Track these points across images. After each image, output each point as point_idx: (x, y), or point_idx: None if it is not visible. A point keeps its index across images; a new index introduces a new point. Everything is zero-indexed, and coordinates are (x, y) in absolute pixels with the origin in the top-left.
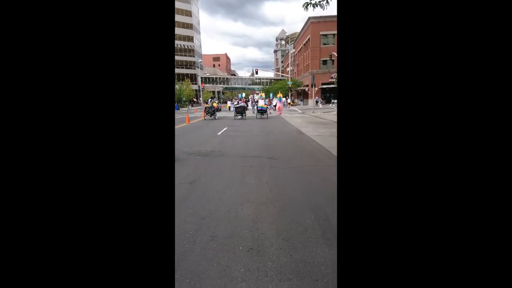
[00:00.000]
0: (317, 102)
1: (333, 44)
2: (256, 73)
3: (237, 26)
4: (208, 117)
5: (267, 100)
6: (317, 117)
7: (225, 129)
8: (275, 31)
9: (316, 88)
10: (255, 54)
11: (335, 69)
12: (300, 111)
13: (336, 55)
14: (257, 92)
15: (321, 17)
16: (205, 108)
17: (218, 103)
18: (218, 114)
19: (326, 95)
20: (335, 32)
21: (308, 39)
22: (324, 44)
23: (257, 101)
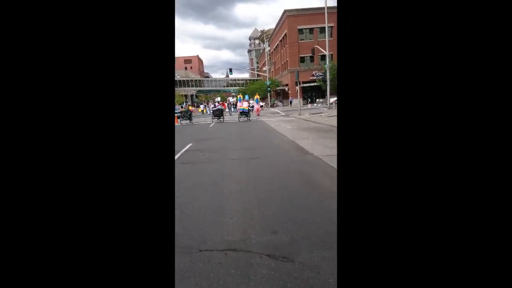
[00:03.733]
0: (290, 102)
1: (311, 39)
2: (231, 72)
3: (209, 29)
4: (185, 121)
5: (245, 102)
6: (307, 120)
7: (188, 146)
8: (248, 32)
9: (297, 87)
10: (228, 55)
11: (315, 66)
12: (283, 113)
13: (318, 48)
14: (233, 94)
15: (297, 9)
16: (181, 112)
17: (193, 107)
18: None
19: (308, 95)
20: (313, 26)
21: (285, 35)
22: (301, 40)
23: (234, 104)
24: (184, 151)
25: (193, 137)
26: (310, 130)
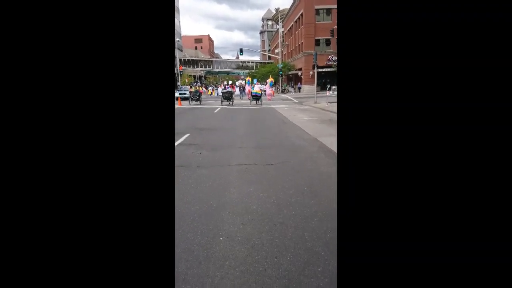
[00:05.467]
0: (299, 88)
1: (329, 21)
2: (241, 53)
3: (222, 9)
4: (193, 102)
5: (257, 86)
6: (326, 110)
7: (184, 138)
8: (261, 14)
9: (311, 72)
10: (240, 37)
11: (332, 51)
12: (295, 101)
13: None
14: (242, 77)
15: None
16: (190, 92)
17: (202, 88)
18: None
19: (322, 81)
20: (331, 6)
21: (301, 15)
22: (318, 21)
23: (243, 87)
24: (177, 145)
25: (194, 124)
26: (334, 124)
